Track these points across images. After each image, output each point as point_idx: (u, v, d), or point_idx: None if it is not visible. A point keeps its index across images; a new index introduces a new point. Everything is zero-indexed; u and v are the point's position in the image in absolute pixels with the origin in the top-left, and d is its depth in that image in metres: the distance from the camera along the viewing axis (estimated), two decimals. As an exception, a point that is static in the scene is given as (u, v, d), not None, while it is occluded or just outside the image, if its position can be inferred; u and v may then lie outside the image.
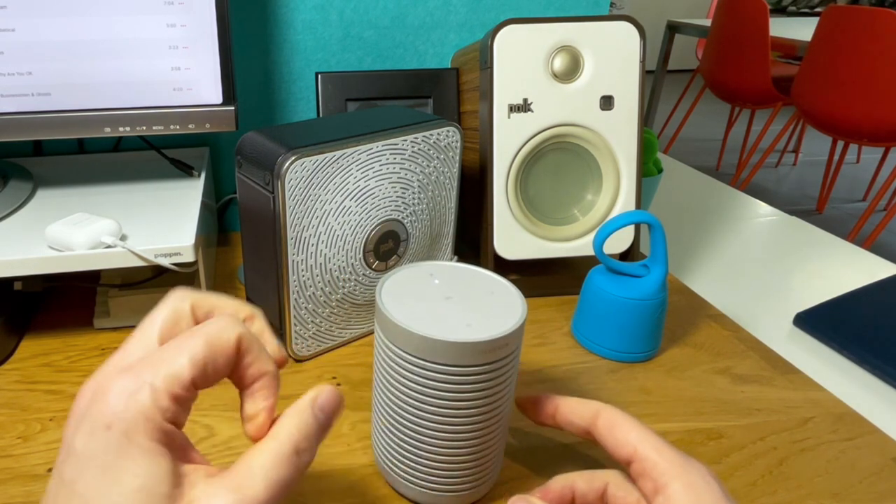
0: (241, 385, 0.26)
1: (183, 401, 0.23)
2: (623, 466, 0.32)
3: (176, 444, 0.23)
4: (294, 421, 0.25)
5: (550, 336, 0.54)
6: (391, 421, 0.35)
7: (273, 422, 0.26)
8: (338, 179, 0.45)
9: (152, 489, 0.21)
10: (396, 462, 0.36)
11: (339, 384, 0.48)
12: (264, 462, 0.23)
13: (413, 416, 0.34)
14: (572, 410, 0.35)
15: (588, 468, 0.37)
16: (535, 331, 0.55)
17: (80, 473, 0.21)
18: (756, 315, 0.60)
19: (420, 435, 0.34)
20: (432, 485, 0.36)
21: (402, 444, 0.35)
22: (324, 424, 0.26)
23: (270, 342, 0.29)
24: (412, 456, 0.35)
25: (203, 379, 0.23)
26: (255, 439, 0.25)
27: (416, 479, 0.36)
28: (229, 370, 0.25)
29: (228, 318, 0.25)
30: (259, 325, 0.29)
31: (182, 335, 0.24)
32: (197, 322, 0.26)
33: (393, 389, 0.34)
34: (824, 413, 0.46)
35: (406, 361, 0.33)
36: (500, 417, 0.35)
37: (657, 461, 0.29)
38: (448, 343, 0.31)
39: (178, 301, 0.26)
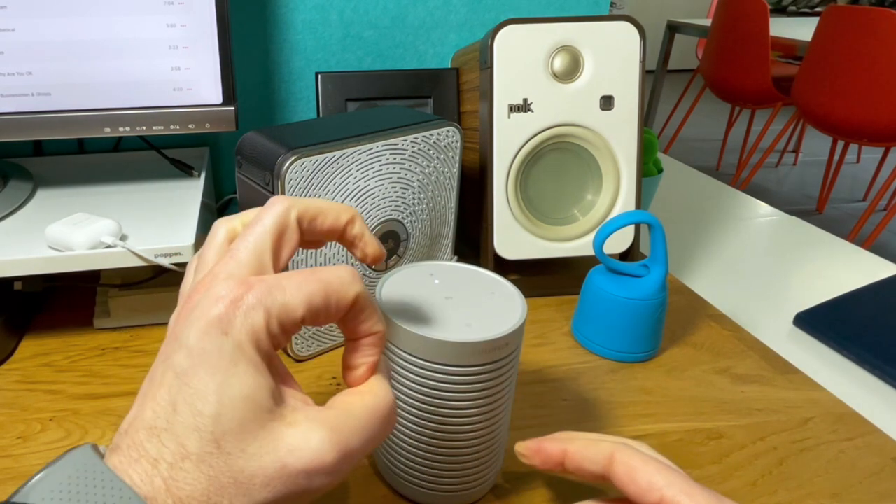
0: (350, 336, 0.27)
1: (289, 332, 0.24)
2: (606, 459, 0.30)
3: (277, 369, 0.24)
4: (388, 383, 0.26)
5: (550, 336, 0.54)
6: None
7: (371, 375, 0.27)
8: (338, 179, 0.45)
9: (257, 401, 0.22)
10: (396, 462, 0.36)
11: (338, 384, 0.48)
12: (362, 414, 0.24)
13: (413, 416, 0.34)
14: (583, 456, 0.31)
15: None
16: (535, 331, 0.55)
17: (194, 368, 0.22)
18: (756, 315, 0.60)
19: (420, 435, 0.34)
20: (432, 485, 0.36)
21: (402, 444, 0.35)
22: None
23: (371, 243, 0.28)
24: (412, 456, 0.35)
25: (312, 321, 0.24)
26: (350, 386, 0.26)
27: (416, 479, 0.36)
28: (338, 319, 0.25)
29: (350, 274, 0.25)
30: (359, 227, 0.28)
31: (305, 272, 0.24)
32: (302, 232, 0.26)
33: (393, 389, 0.34)
34: (824, 413, 0.46)
35: (406, 361, 0.33)
36: (501, 417, 0.35)
37: (682, 500, 0.27)
38: (448, 343, 0.31)
39: (284, 213, 0.25)
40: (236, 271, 0.24)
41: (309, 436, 0.22)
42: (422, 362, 0.32)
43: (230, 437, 0.21)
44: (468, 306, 0.34)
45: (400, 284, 0.36)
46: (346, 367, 0.27)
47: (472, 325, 0.32)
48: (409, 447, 0.35)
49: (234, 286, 0.23)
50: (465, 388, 0.32)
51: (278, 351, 0.24)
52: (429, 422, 0.34)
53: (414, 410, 0.34)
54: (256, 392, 0.22)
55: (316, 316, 0.24)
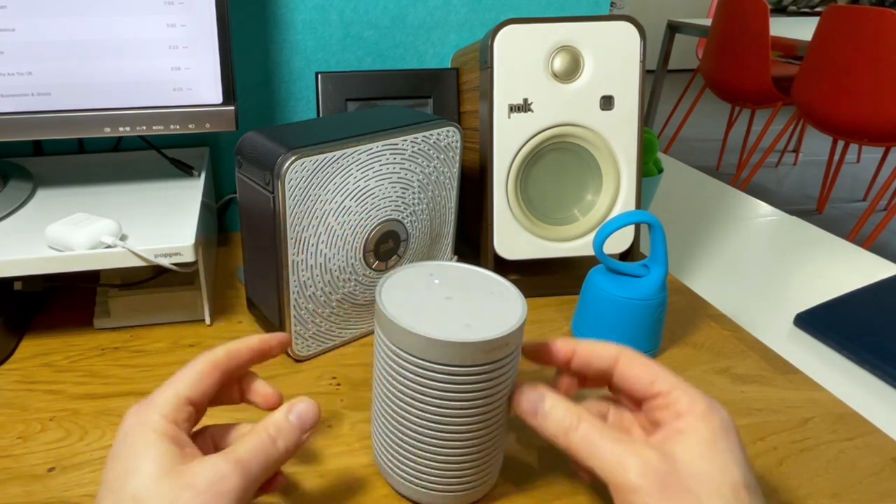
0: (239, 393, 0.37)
1: (184, 412, 0.31)
2: (638, 403, 0.34)
3: (180, 440, 0.30)
4: (271, 420, 0.32)
5: (550, 336, 0.54)
6: (391, 421, 0.35)
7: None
8: (338, 179, 0.45)
9: (160, 462, 0.28)
10: (396, 462, 0.36)
11: (339, 384, 0.48)
12: (246, 442, 0.30)
13: (413, 415, 0.34)
14: (591, 352, 0.35)
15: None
16: (535, 331, 0.55)
17: (113, 463, 0.29)
18: (756, 315, 0.60)
19: (420, 435, 0.34)
20: (432, 485, 0.36)
21: (401, 444, 0.35)
22: (297, 426, 0.32)
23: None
24: (412, 456, 0.35)
25: (200, 396, 0.33)
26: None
27: (416, 479, 0.36)
28: (229, 384, 0.35)
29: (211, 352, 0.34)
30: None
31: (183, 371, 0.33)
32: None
33: (393, 389, 0.34)
34: (824, 413, 0.46)
35: (406, 361, 0.33)
36: (501, 417, 0.35)
37: (680, 394, 0.31)
38: (448, 343, 0.31)
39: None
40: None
41: (205, 461, 0.29)
42: (422, 362, 0.32)
43: (141, 491, 0.27)
44: (468, 306, 0.34)
45: (400, 284, 0.36)
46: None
47: (471, 326, 0.32)
48: (409, 447, 0.35)
49: (131, 409, 0.31)
50: (465, 388, 0.32)
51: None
52: (429, 422, 0.34)
53: (414, 410, 0.34)
54: (158, 458, 0.28)
55: (201, 390, 0.32)
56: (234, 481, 0.28)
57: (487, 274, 0.37)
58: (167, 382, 0.32)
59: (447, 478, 0.35)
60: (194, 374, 0.33)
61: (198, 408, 0.32)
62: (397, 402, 0.34)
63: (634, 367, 0.34)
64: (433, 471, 0.35)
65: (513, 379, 0.35)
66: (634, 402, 0.35)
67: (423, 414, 0.34)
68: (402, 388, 0.34)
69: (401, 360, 0.33)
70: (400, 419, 0.35)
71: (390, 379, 0.34)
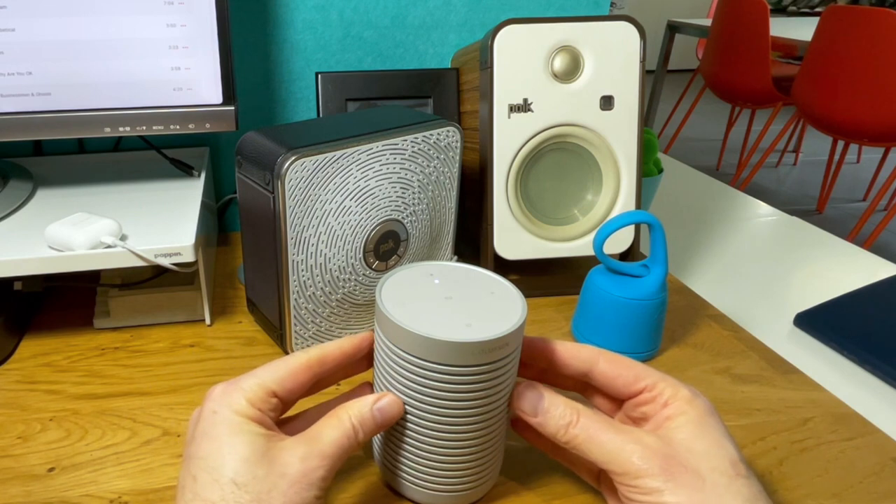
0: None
1: (268, 402, 0.32)
2: (618, 402, 0.36)
3: (266, 424, 0.31)
4: (356, 411, 0.32)
5: (550, 336, 0.54)
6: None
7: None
8: (338, 179, 0.45)
9: (252, 445, 0.29)
10: (396, 462, 0.36)
11: (338, 384, 0.48)
12: (331, 432, 0.31)
13: (412, 415, 0.34)
14: (572, 354, 0.36)
15: (587, 469, 0.38)
16: (535, 331, 0.55)
17: (198, 445, 0.30)
18: (756, 315, 0.60)
19: (419, 435, 0.34)
20: (432, 484, 0.36)
21: (401, 443, 0.35)
22: (379, 422, 0.33)
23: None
24: (412, 455, 0.35)
25: (286, 392, 0.33)
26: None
27: (416, 478, 0.36)
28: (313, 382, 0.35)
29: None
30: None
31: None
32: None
33: (392, 389, 0.34)
34: (824, 413, 0.46)
35: (405, 361, 0.33)
36: (500, 417, 0.35)
37: (664, 386, 0.33)
38: (447, 343, 0.31)
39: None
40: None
41: (294, 450, 0.30)
42: (422, 362, 0.32)
43: (240, 476, 0.28)
44: (468, 306, 0.34)
45: (400, 284, 0.36)
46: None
47: (471, 325, 0.32)
48: (408, 447, 0.35)
49: (217, 387, 0.33)
50: (464, 388, 0.32)
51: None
52: (429, 421, 0.34)
53: (414, 410, 0.34)
54: (251, 442, 0.29)
55: (288, 387, 0.33)
56: (322, 472, 0.30)
57: (488, 274, 0.37)
58: (256, 370, 0.33)
59: (447, 478, 0.35)
60: (284, 369, 0.33)
61: (283, 401, 0.33)
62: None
63: (616, 366, 0.35)
64: (433, 471, 0.35)
65: (513, 379, 0.35)
66: (614, 401, 0.36)
67: (423, 414, 0.34)
68: (402, 387, 0.34)
69: (400, 360, 0.33)
70: (400, 419, 0.35)
71: (390, 379, 0.34)
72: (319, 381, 0.36)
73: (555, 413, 0.33)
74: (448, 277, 0.37)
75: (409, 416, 0.34)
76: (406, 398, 0.34)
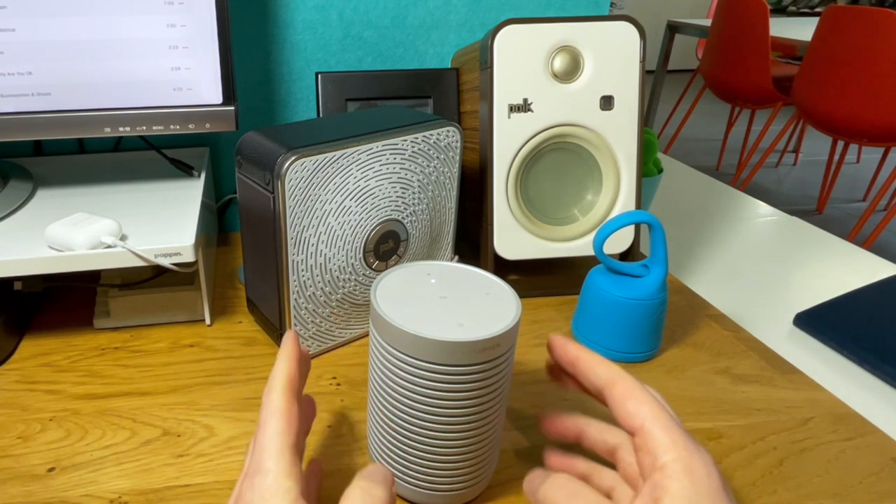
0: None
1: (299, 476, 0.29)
2: (626, 435, 0.32)
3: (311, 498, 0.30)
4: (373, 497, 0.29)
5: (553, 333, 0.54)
6: (384, 419, 0.36)
7: None
8: (338, 179, 0.45)
9: None
10: (391, 461, 0.36)
11: (339, 384, 0.48)
12: None
13: (406, 414, 0.34)
14: (592, 369, 0.34)
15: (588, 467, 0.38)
16: (535, 331, 0.55)
17: None
18: (756, 315, 0.60)
19: (413, 434, 0.34)
20: (426, 483, 0.36)
21: (396, 442, 0.35)
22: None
23: None
24: (406, 455, 0.35)
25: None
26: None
27: (410, 477, 0.36)
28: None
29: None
30: None
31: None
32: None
33: (387, 388, 0.34)
34: (824, 413, 0.46)
35: (398, 360, 0.33)
36: (494, 418, 0.35)
37: (663, 439, 0.29)
38: (439, 342, 0.31)
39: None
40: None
41: None
42: (414, 361, 0.32)
43: None
44: (462, 306, 0.34)
45: (395, 283, 0.36)
46: None
47: (464, 325, 0.32)
48: (403, 446, 0.35)
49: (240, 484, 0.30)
50: (456, 388, 0.32)
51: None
52: (421, 420, 0.34)
53: (406, 409, 0.34)
54: None
55: (295, 430, 0.30)
56: None
57: (484, 274, 0.37)
58: (269, 440, 0.29)
59: (441, 477, 0.35)
60: (282, 418, 0.30)
61: (301, 448, 0.31)
62: (390, 400, 0.34)
63: (624, 396, 0.31)
64: (427, 469, 0.35)
65: (507, 380, 0.35)
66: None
67: (414, 412, 0.34)
68: (395, 386, 0.34)
69: (393, 359, 0.33)
70: (393, 417, 0.35)
71: (384, 377, 0.34)
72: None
73: None
74: (445, 277, 0.37)
75: (402, 414, 0.34)
76: (399, 397, 0.34)
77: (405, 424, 0.34)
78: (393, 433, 0.35)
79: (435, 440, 0.34)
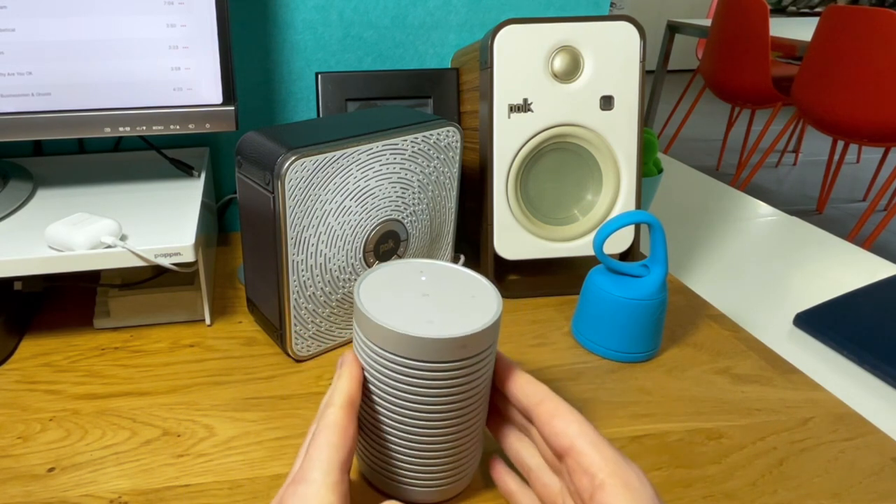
0: None
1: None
2: (555, 457, 0.32)
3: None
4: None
5: (550, 336, 0.54)
6: (365, 414, 0.36)
7: None
8: (338, 179, 0.45)
9: None
10: (374, 457, 0.37)
11: (339, 384, 0.48)
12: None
13: (386, 409, 0.34)
14: (520, 388, 0.34)
15: None
16: (535, 331, 0.55)
17: None
18: (756, 315, 0.60)
19: (393, 429, 0.35)
20: (407, 479, 0.36)
21: (378, 438, 0.36)
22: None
23: None
24: (388, 451, 0.36)
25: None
26: None
27: (393, 473, 0.36)
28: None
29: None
30: None
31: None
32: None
33: (367, 384, 0.35)
34: (824, 413, 0.46)
35: (376, 355, 0.33)
36: (475, 415, 0.35)
37: (595, 458, 0.29)
38: (413, 338, 0.31)
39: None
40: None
41: None
42: (391, 356, 0.33)
43: None
44: (444, 304, 0.34)
45: (381, 280, 0.36)
46: None
47: (439, 322, 0.33)
48: (385, 442, 0.35)
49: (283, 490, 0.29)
50: (434, 384, 0.33)
51: None
52: (402, 416, 0.34)
53: (385, 405, 0.34)
54: None
55: (348, 448, 0.30)
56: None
57: (471, 274, 0.38)
58: (320, 451, 0.29)
59: (422, 472, 0.36)
60: (338, 431, 0.30)
61: (348, 468, 0.30)
62: (371, 395, 0.35)
63: (551, 415, 0.32)
64: (409, 465, 0.36)
65: (487, 378, 0.35)
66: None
67: (395, 408, 0.34)
68: (376, 381, 0.34)
69: (372, 354, 0.34)
70: (374, 412, 0.35)
71: (366, 372, 0.35)
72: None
73: None
74: (430, 275, 0.37)
75: (382, 409, 0.35)
76: (379, 391, 0.34)
77: (385, 419, 0.35)
78: (376, 429, 0.36)
79: (415, 436, 0.34)
